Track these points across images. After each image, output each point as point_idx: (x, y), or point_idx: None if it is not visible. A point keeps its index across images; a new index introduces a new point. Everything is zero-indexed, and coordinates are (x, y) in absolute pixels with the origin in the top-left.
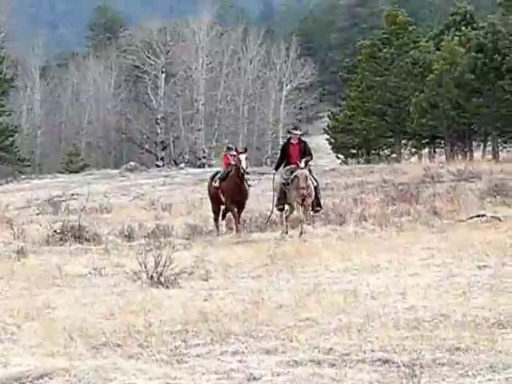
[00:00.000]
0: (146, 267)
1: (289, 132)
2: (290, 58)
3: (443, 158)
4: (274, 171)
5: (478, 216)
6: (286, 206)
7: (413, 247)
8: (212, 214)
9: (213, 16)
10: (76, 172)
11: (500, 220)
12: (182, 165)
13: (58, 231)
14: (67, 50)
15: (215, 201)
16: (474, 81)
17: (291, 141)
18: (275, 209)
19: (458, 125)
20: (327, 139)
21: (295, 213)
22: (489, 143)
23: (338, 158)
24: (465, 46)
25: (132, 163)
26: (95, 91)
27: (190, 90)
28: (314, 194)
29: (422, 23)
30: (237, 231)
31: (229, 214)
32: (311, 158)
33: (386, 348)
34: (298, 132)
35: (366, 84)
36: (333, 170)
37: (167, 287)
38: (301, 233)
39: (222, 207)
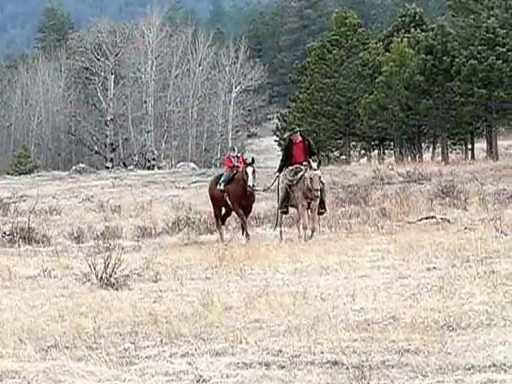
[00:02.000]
0: (95, 269)
1: (290, 136)
2: (240, 59)
3: (392, 159)
4: (277, 173)
5: (428, 218)
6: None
7: (362, 249)
8: (213, 219)
9: (162, 17)
10: (25, 173)
11: (449, 222)
12: (132, 166)
13: (8, 233)
14: (17, 52)
15: (218, 204)
16: (423, 82)
17: (294, 140)
18: (279, 211)
19: (408, 126)
20: (276, 141)
21: (300, 218)
22: (438, 145)
23: None
24: (414, 47)
25: (81, 165)
26: (45, 93)
27: (140, 92)
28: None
29: (371, 25)
30: (246, 235)
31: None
32: (319, 158)
33: (336, 350)
34: (298, 135)
35: (315, 86)
36: None
37: (117, 289)
38: (299, 236)
39: (223, 211)
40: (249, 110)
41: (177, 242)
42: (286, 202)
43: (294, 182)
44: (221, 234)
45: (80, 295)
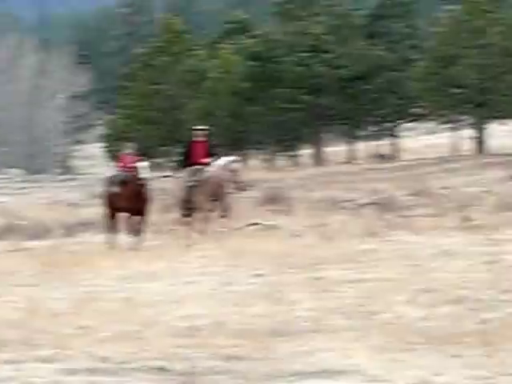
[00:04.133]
0: None
1: (192, 131)
2: (66, 66)
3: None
4: (180, 171)
5: (254, 224)
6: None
7: (189, 255)
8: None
9: None
10: None
11: (276, 228)
12: None
13: None
14: None
15: (111, 207)
16: (249, 89)
17: (195, 138)
18: (180, 214)
19: (234, 133)
20: (103, 147)
21: (196, 223)
22: (265, 151)
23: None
24: (240, 54)
25: None
26: None
27: None
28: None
29: (197, 31)
30: (137, 237)
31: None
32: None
33: (163, 356)
34: (201, 132)
35: (141, 92)
36: None
37: None
38: (189, 243)
39: (121, 214)
40: (76, 117)
41: (3, 249)
42: (188, 204)
43: (196, 182)
44: (111, 237)
45: None
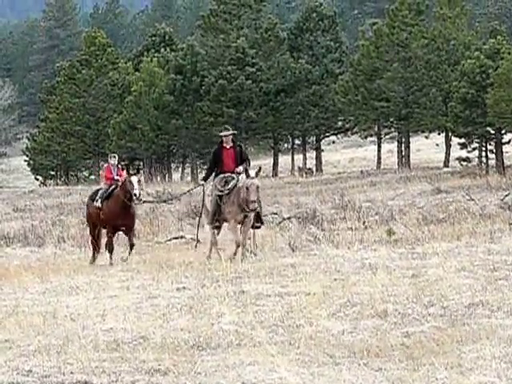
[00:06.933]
0: None
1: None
2: None
3: (142, 179)
4: (202, 182)
5: (177, 238)
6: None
7: (112, 269)
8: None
9: None
10: None
11: (199, 242)
12: None
13: None
14: None
15: (95, 223)
16: (173, 102)
17: (224, 145)
18: (208, 226)
19: (157, 146)
20: (26, 161)
21: (231, 235)
22: (187, 165)
23: (37, 179)
24: (164, 67)
25: None
26: None
27: None
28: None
29: (121, 44)
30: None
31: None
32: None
33: (86, 370)
34: (228, 133)
35: (64, 106)
36: (31, 191)
37: None
38: (235, 253)
39: (104, 231)
40: None
41: None
42: (217, 216)
43: (225, 192)
44: (94, 255)
45: None
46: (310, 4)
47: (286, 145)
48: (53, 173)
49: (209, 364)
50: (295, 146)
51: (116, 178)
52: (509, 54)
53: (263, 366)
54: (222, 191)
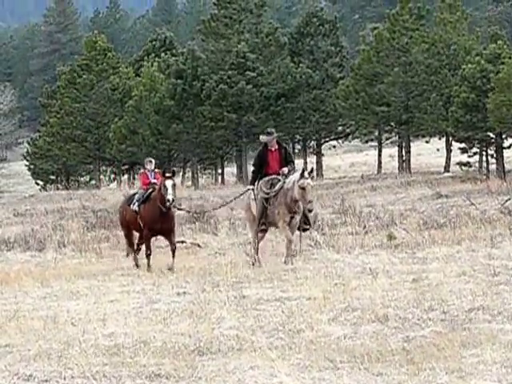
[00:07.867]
0: None
1: (264, 136)
2: None
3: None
4: (250, 186)
5: (178, 242)
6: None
7: (112, 274)
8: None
9: None
10: None
11: (199, 246)
12: None
13: None
14: None
15: (130, 228)
16: (173, 107)
17: (269, 147)
18: (252, 233)
19: (158, 151)
20: (27, 165)
21: (282, 234)
22: (188, 169)
23: (38, 184)
24: (164, 71)
25: None
26: None
27: None
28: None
29: (121, 49)
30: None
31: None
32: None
33: (86, 374)
34: (272, 136)
35: (65, 110)
36: (32, 196)
37: None
38: (287, 255)
39: (137, 234)
40: (0, 134)
41: None
42: (263, 219)
43: (272, 194)
44: (135, 258)
45: None
46: (310, 9)
47: None
48: (53, 177)
49: (209, 368)
50: (296, 151)
51: (153, 181)
52: (509, 58)
53: (264, 371)
54: (268, 193)
